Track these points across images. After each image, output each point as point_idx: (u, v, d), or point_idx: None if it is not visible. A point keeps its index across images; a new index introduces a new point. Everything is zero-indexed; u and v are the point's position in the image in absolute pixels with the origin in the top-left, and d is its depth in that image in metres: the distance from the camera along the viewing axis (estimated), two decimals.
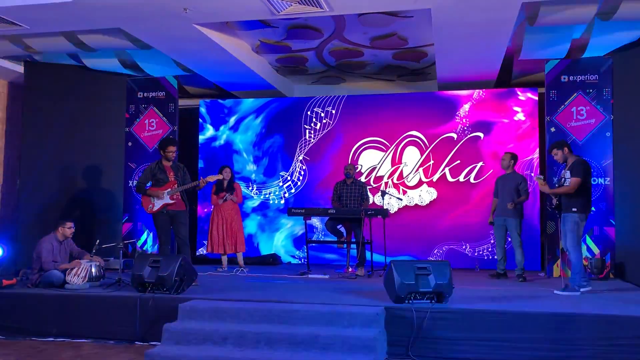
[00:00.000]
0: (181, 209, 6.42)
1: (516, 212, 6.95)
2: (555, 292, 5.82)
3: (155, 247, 8.43)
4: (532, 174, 6.15)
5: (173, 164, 6.51)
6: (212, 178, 6.74)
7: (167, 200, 6.32)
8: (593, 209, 6.58)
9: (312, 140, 9.15)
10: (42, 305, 5.69)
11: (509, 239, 7.13)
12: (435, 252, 8.55)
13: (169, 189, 6.33)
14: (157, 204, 6.32)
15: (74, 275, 6.05)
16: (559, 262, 7.34)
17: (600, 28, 6.67)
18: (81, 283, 6.02)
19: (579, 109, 7.47)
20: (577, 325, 4.64)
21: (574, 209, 5.79)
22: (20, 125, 8.33)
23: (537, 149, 8.28)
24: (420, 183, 8.74)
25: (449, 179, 8.64)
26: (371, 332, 4.58)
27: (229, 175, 7.87)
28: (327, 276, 7.13)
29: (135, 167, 8.66)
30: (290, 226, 9.14)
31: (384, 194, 8.00)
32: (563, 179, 5.94)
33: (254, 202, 9.30)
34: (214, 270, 7.71)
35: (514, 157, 7.21)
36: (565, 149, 5.98)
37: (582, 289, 5.79)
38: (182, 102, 9.34)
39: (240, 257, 7.91)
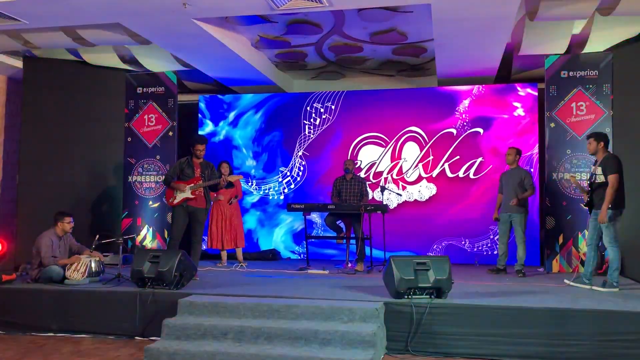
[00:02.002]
0: (201, 206, 6.50)
1: (521, 208, 6.94)
2: (594, 288, 5.75)
3: (155, 242, 8.46)
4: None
5: (203, 161, 6.61)
6: (233, 178, 6.90)
7: (188, 194, 6.40)
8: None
9: (312, 136, 9.14)
10: (42, 300, 5.70)
11: (512, 235, 7.13)
12: (434, 247, 8.56)
13: (192, 184, 6.40)
14: (178, 197, 6.42)
15: (74, 270, 6.06)
16: (558, 257, 7.35)
17: (601, 23, 6.66)
18: (81, 278, 6.02)
19: (578, 104, 7.46)
20: (575, 320, 4.66)
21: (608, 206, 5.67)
22: (19, 121, 8.33)
23: (537, 145, 8.27)
24: (419, 178, 8.74)
25: (449, 174, 8.64)
26: (370, 327, 4.59)
27: (227, 171, 7.87)
28: (326, 271, 7.14)
29: (135, 163, 8.65)
30: (290, 222, 9.15)
31: (383, 189, 8.00)
32: (594, 175, 5.83)
33: (254, 198, 9.30)
34: (214, 266, 7.73)
35: (519, 152, 7.22)
36: (602, 143, 5.83)
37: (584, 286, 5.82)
38: (182, 98, 9.33)
39: (239, 253, 7.92)
